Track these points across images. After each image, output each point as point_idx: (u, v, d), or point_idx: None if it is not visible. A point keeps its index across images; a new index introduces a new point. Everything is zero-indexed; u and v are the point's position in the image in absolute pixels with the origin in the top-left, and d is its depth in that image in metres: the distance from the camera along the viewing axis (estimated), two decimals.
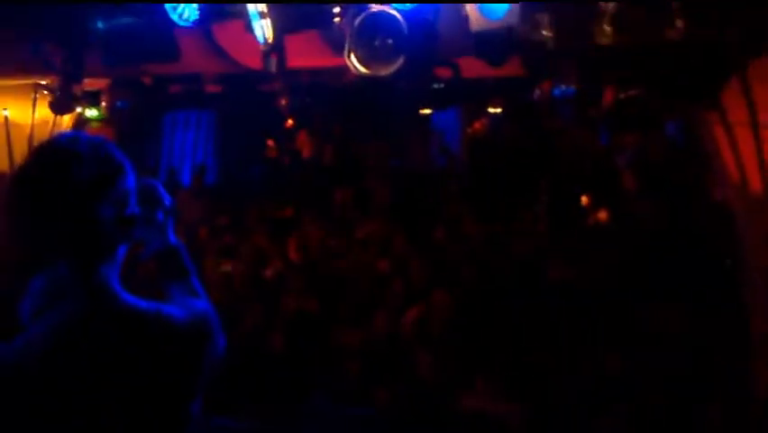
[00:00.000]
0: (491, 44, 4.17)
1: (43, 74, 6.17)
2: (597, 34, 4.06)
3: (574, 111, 7.98)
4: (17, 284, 1.88)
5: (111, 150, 1.63)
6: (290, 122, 10.91)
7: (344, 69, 4.69)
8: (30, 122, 7.11)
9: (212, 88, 8.51)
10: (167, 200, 1.86)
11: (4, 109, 7.02)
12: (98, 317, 1.60)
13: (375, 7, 4.28)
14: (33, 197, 1.58)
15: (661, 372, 4.59)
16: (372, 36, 4.32)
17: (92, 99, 8.04)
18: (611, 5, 3.96)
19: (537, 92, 7.31)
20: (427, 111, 10.78)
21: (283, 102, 8.98)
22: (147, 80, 8.03)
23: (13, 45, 5.66)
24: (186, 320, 1.65)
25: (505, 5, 3.68)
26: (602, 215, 7.20)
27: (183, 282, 1.83)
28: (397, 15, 4.28)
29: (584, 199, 6.85)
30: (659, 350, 4.74)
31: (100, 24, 4.74)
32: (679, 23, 4.01)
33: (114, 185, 1.60)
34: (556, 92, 7.41)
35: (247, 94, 8.70)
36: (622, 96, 6.85)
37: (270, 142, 11.13)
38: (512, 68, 5.29)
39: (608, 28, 4.00)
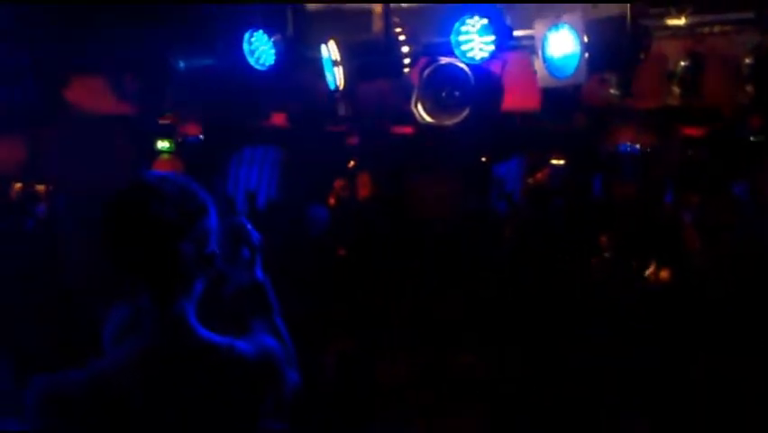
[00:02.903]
0: (558, 100, 4.22)
1: (122, 105, 6.46)
2: (665, 95, 4.09)
3: (639, 168, 7.92)
4: (101, 312, 1.99)
5: (195, 190, 1.72)
6: (353, 162, 11.07)
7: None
8: None
9: (279, 125, 8.72)
10: (254, 238, 1.94)
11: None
12: (173, 348, 1.68)
13: (444, 59, 4.39)
14: (120, 230, 1.68)
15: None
16: (440, 87, 4.43)
17: (166, 132, 8.38)
18: (681, 68, 3.98)
19: (603, 148, 7.30)
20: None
21: (348, 143, 9.14)
22: (219, 116, 8.28)
23: (95, 77, 5.97)
24: (255, 356, 1.73)
25: (573, 64, 3.73)
26: (664, 274, 7.07)
27: (265, 318, 1.91)
28: (465, 68, 4.37)
29: (651, 265, 6.76)
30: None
31: (181, 63, 4.99)
32: (749, 88, 4.01)
33: (195, 224, 1.68)
34: (622, 148, 7.37)
35: (314, 133, 8.89)
36: (689, 155, 6.79)
37: (339, 183, 11.23)
38: (577, 121, 5.31)
39: (676, 89, 4.02)
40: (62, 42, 4.84)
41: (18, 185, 8.54)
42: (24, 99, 5.04)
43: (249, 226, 1.94)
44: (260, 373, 1.72)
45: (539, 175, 10.64)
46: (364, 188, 10.82)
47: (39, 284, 5.44)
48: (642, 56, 3.90)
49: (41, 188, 8.73)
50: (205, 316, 1.76)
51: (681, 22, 3.95)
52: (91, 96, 6.38)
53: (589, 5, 3.86)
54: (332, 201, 10.00)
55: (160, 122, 7.95)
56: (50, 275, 5.87)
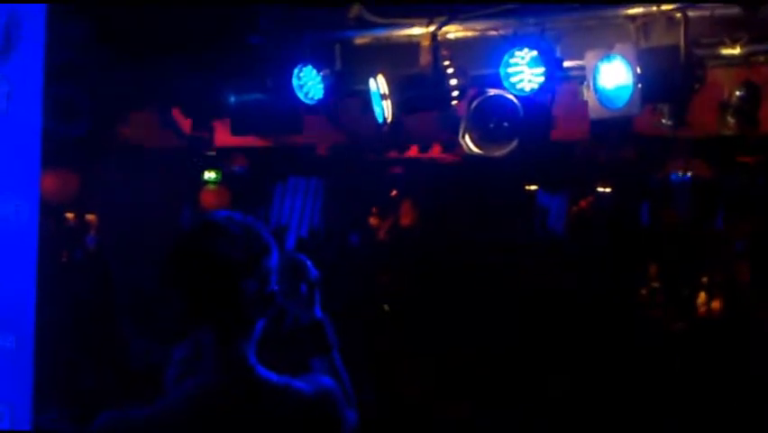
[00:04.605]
0: (608, 130, 4.18)
1: (171, 138, 6.60)
2: (719, 125, 4.03)
3: (691, 197, 7.80)
4: (158, 349, 2.01)
5: (260, 231, 1.74)
6: (395, 192, 11.13)
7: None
8: None
9: (321, 155, 8.83)
10: (313, 274, 1.93)
11: None
12: (233, 388, 1.69)
13: (493, 91, 4.38)
14: (185, 269, 1.70)
15: None
16: (488, 119, 4.42)
17: (213, 163, 8.55)
18: (736, 98, 3.92)
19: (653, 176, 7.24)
20: (533, 187, 10.78)
21: (391, 172, 9.20)
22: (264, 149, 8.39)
23: (146, 111, 6.12)
24: (312, 396, 1.73)
25: (626, 95, 3.69)
26: (715, 304, 6.91)
27: (324, 357, 1.90)
28: (514, 99, 4.35)
29: (702, 296, 6.63)
30: None
31: (232, 99, 5.09)
32: None
33: (259, 263, 1.70)
34: (673, 177, 7.30)
35: (355, 162, 8.98)
36: (741, 183, 6.67)
37: (374, 210, 11.31)
38: (627, 152, 5.25)
39: (731, 119, 3.95)
40: (118, 78, 4.98)
41: (69, 215, 8.76)
42: (79, 133, 5.18)
43: (308, 263, 1.95)
44: (318, 412, 1.72)
45: (583, 203, 10.56)
46: (406, 216, 10.84)
47: (89, 316, 5.53)
48: (696, 86, 3.85)
49: (91, 217, 8.94)
50: (263, 353, 1.77)
51: (736, 51, 3.89)
52: (142, 129, 6.54)
53: (642, 36, 3.84)
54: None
55: (209, 154, 8.11)
56: (101, 307, 5.97)
